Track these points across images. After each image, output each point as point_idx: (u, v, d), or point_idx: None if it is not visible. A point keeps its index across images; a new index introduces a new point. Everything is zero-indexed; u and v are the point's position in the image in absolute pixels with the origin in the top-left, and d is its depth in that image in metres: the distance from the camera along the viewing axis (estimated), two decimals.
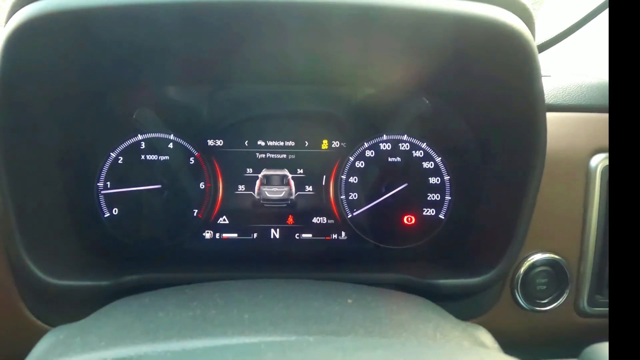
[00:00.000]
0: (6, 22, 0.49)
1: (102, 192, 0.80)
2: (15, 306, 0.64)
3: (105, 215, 0.80)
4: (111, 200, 0.80)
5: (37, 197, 0.64)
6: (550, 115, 0.63)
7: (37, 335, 0.64)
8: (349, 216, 0.83)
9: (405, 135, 0.83)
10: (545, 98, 0.61)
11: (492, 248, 0.69)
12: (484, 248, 0.71)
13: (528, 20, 0.55)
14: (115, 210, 0.80)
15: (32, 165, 0.63)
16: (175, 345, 0.32)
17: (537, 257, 0.71)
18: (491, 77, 0.64)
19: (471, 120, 0.77)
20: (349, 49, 0.63)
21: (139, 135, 0.81)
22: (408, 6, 0.50)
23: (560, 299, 0.72)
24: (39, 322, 0.65)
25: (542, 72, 0.58)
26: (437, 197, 0.83)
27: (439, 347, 0.34)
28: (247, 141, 0.83)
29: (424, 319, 0.40)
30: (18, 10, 0.48)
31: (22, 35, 0.48)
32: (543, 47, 0.79)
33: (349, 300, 0.42)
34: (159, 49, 0.61)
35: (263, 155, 0.83)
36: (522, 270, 0.71)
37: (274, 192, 0.83)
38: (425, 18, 0.51)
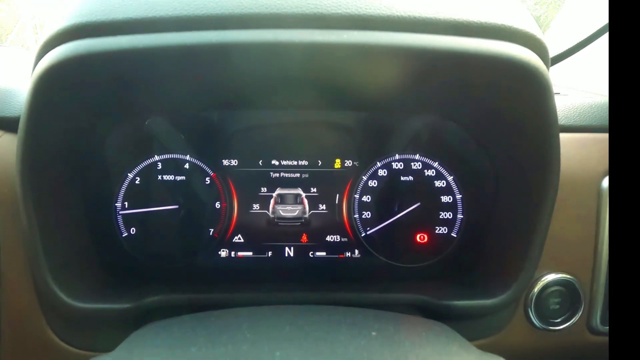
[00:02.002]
0: (36, 61, 0.51)
1: (120, 212, 0.82)
2: (41, 329, 0.66)
3: (124, 235, 0.82)
4: (129, 221, 0.82)
5: (59, 220, 0.66)
6: (562, 137, 0.64)
7: (63, 358, 0.66)
8: (362, 234, 0.85)
9: (418, 155, 0.84)
10: (558, 119, 0.62)
11: (506, 269, 0.69)
12: (498, 269, 0.72)
13: (541, 51, 0.55)
14: (132, 230, 0.82)
15: (55, 189, 0.65)
16: None
17: (550, 277, 0.72)
18: (504, 105, 0.64)
19: (483, 141, 0.78)
20: (352, 79, 0.63)
21: (155, 156, 0.82)
22: (414, 45, 0.50)
23: (573, 318, 0.73)
24: (63, 345, 0.67)
25: (554, 90, 0.59)
26: (450, 215, 0.84)
27: None
28: (261, 161, 0.85)
29: (447, 353, 0.41)
30: (48, 51, 0.49)
31: (51, 76, 0.49)
32: (553, 61, 0.79)
33: (373, 333, 0.43)
34: (176, 81, 0.62)
35: (277, 175, 0.85)
36: (535, 290, 0.72)
37: (288, 211, 0.85)
38: (433, 57, 0.51)
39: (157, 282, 0.75)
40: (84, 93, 0.58)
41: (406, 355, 0.38)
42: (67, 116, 0.60)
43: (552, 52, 0.79)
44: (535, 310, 0.72)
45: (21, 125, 0.56)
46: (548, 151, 0.62)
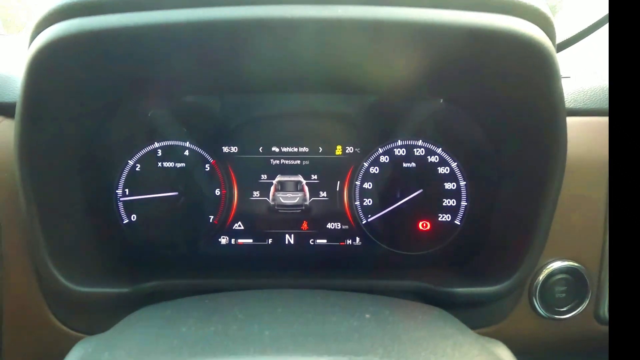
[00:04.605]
0: (29, 43, 0.50)
1: (121, 199, 0.82)
2: (41, 312, 0.66)
3: (124, 222, 0.82)
4: (130, 207, 0.82)
5: (59, 205, 0.66)
6: (570, 120, 0.62)
7: (63, 340, 0.67)
8: (363, 222, 0.83)
9: (421, 141, 0.83)
10: (565, 102, 0.60)
11: (509, 256, 0.68)
12: (501, 255, 0.71)
13: (547, 27, 0.53)
14: (133, 217, 0.82)
15: (54, 174, 0.65)
16: None
17: (556, 264, 0.70)
18: (509, 85, 0.62)
19: (487, 125, 0.76)
20: (361, 58, 0.62)
21: (155, 143, 0.82)
22: (421, 20, 0.49)
23: (580, 307, 0.71)
24: (64, 328, 0.67)
25: (562, 73, 0.57)
26: (453, 202, 0.82)
27: None
28: (261, 147, 0.84)
29: (442, 336, 0.40)
30: (40, 32, 0.49)
31: (44, 56, 0.49)
32: (563, 46, 0.77)
33: (367, 315, 0.42)
34: (173, 62, 0.62)
35: (277, 162, 0.84)
36: (540, 278, 0.70)
37: (289, 198, 0.84)
38: (440, 31, 0.50)
39: (157, 268, 0.75)
40: (78, 74, 0.57)
41: (399, 336, 0.37)
42: (63, 99, 0.60)
43: (563, 37, 0.76)
44: (540, 298, 0.70)
45: (17, 108, 0.56)
46: (554, 134, 0.60)
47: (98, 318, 0.67)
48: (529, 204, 0.65)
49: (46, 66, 0.51)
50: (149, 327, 0.43)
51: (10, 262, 0.65)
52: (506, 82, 0.62)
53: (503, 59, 0.56)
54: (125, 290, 0.65)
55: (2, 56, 0.75)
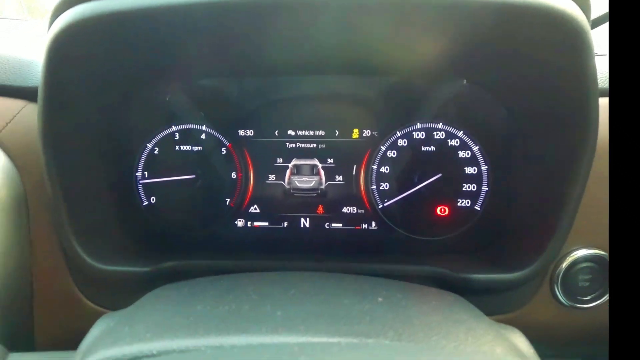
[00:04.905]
0: (49, 26, 0.51)
1: (140, 181, 0.83)
2: (68, 288, 0.69)
3: (144, 204, 0.83)
4: (149, 190, 0.83)
5: (83, 187, 0.68)
6: (602, 101, 0.58)
7: (89, 316, 0.69)
8: (379, 206, 0.82)
9: (441, 124, 0.80)
10: (599, 81, 0.56)
11: (532, 242, 0.66)
12: (523, 242, 0.69)
13: (581, 0, 0.50)
14: (153, 199, 0.84)
15: (77, 157, 0.67)
16: (213, 341, 0.33)
17: (581, 252, 0.68)
18: (539, 64, 0.59)
19: (513, 107, 0.72)
20: (385, 39, 0.60)
21: (173, 126, 0.83)
22: None
23: (605, 296, 0.68)
24: (90, 304, 0.70)
25: (596, 51, 0.53)
26: (473, 187, 0.80)
27: (470, 355, 0.33)
28: (277, 131, 0.83)
29: (455, 321, 0.39)
30: (59, 15, 0.49)
31: (62, 40, 0.50)
32: (599, 22, 0.72)
33: (380, 299, 0.41)
34: (192, 45, 0.61)
35: (293, 145, 0.83)
36: (563, 265, 0.68)
37: (304, 182, 0.83)
38: (467, 9, 0.48)
39: (175, 249, 0.77)
40: (97, 57, 0.58)
41: (411, 320, 0.36)
42: (83, 83, 0.61)
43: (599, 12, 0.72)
44: (562, 286, 0.68)
45: (39, 92, 0.57)
46: (585, 116, 0.57)
47: (121, 295, 0.70)
48: (555, 189, 0.63)
49: (65, 49, 0.51)
50: (167, 304, 0.44)
51: (40, 243, 0.68)
52: (535, 61, 0.59)
53: (533, 36, 0.53)
54: (145, 269, 0.67)
55: (26, 41, 0.76)
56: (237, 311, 0.38)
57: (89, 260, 0.66)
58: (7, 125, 0.64)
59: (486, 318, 0.44)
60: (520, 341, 0.42)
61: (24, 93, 0.66)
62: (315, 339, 0.33)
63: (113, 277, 0.67)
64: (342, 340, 0.33)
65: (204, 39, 0.59)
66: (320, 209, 0.84)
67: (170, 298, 0.47)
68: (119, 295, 0.70)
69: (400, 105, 0.81)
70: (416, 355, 0.30)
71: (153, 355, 0.32)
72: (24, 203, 0.64)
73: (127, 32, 0.53)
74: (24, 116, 0.65)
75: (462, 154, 0.80)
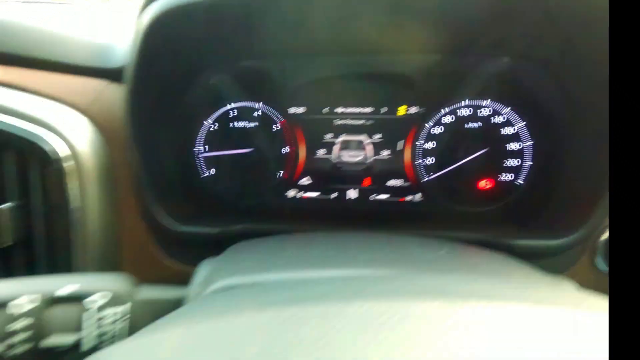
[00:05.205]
0: (140, 12, 0.57)
1: (200, 155, 0.91)
2: (150, 247, 0.77)
3: (204, 175, 0.91)
4: (208, 163, 0.91)
5: (157, 160, 0.76)
6: None
7: (164, 269, 0.78)
8: (424, 180, 0.86)
9: (488, 100, 0.82)
10: None
11: (575, 213, 0.68)
12: (566, 213, 0.71)
13: None
14: (212, 171, 0.91)
15: (152, 133, 0.74)
16: (312, 274, 0.38)
17: None
18: (584, 34, 0.60)
19: (561, 80, 0.73)
20: (429, 15, 0.62)
21: (228, 104, 0.89)
22: None
23: None
24: (169, 259, 0.79)
25: None
26: (517, 162, 0.82)
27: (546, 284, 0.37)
28: (327, 108, 0.88)
29: (519, 268, 0.44)
30: (151, 4, 0.55)
31: (159, 24, 0.55)
32: None
33: (443, 251, 0.46)
34: (265, 25, 0.66)
35: (342, 122, 0.88)
36: (605, 235, 0.70)
37: (352, 156, 0.88)
38: None
39: (235, 215, 0.84)
40: (182, 41, 0.64)
41: (477, 266, 0.41)
42: (167, 65, 0.67)
43: None
44: (604, 254, 0.70)
45: (129, 72, 0.63)
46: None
47: (194, 253, 0.78)
48: (601, 160, 0.64)
49: (158, 34, 0.57)
50: (257, 252, 0.51)
51: (125, 206, 0.76)
52: (581, 31, 0.60)
53: (579, 5, 0.54)
54: (215, 230, 0.74)
55: (97, 25, 0.83)
56: (324, 254, 0.43)
57: (166, 221, 0.74)
58: (93, 102, 0.72)
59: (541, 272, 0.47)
60: (569, 286, 0.45)
61: (106, 73, 0.73)
62: (380, 271, 0.38)
63: (187, 238, 0.75)
64: (425, 274, 0.38)
65: (276, 19, 0.64)
66: (367, 181, 0.89)
67: (257, 247, 0.54)
68: (192, 253, 0.78)
69: (446, 82, 0.83)
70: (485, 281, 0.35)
71: (267, 283, 0.37)
72: (111, 170, 0.72)
73: (215, 17, 0.58)
74: (106, 94, 0.73)
75: (508, 130, 0.82)
